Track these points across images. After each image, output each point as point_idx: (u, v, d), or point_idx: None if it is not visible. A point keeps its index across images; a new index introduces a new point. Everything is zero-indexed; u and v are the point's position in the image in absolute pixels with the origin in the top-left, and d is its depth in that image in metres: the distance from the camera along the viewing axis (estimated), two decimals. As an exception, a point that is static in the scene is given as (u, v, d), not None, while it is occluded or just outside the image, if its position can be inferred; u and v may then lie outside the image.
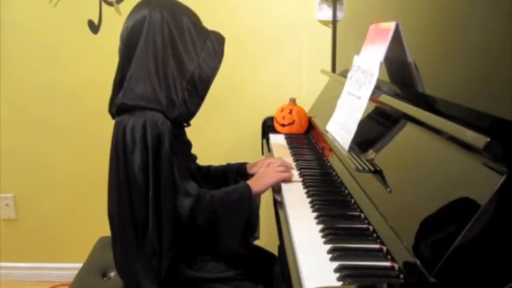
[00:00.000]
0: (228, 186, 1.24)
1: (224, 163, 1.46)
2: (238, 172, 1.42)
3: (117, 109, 1.11)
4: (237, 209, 1.15)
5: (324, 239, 0.90)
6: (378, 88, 1.14)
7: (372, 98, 1.12)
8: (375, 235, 0.89)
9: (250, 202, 1.17)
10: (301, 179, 1.26)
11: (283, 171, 1.25)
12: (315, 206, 1.06)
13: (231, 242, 1.15)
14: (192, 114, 1.17)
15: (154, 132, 1.05)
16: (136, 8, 1.14)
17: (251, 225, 1.16)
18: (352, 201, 1.07)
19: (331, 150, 1.35)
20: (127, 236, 1.11)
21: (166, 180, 1.06)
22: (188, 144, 1.27)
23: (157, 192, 1.06)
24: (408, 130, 0.98)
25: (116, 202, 1.11)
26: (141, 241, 1.10)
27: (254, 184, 1.20)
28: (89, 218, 2.10)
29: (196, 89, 1.15)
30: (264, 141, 1.80)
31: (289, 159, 1.44)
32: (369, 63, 1.16)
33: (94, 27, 1.97)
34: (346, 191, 1.13)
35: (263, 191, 1.23)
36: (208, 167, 1.43)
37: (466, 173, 0.72)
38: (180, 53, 1.12)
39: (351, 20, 1.68)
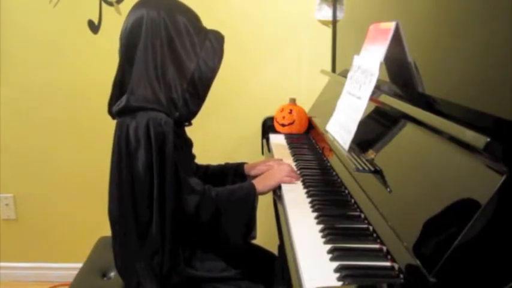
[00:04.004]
0: (226, 185, 1.24)
1: (223, 163, 1.46)
2: (236, 172, 1.42)
3: (120, 111, 1.11)
4: (241, 207, 1.16)
5: (324, 239, 0.90)
6: (378, 88, 1.14)
7: (372, 98, 1.12)
8: (375, 235, 0.89)
9: (254, 201, 1.18)
10: (301, 179, 1.26)
11: (289, 177, 1.25)
12: (315, 206, 1.06)
13: (232, 238, 1.16)
14: (193, 114, 1.18)
15: (157, 131, 1.05)
16: (134, 8, 1.14)
17: (251, 224, 1.17)
18: (352, 201, 1.07)
19: (331, 150, 1.35)
20: (128, 235, 1.11)
21: (171, 178, 1.07)
22: (189, 143, 1.27)
23: (162, 190, 1.06)
24: (408, 130, 0.98)
25: (118, 201, 1.11)
26: (142, 240, 1.10)
27: (259, 184, 1.21)
28: (89, 218, 2.10)
29: (197, 89, 1.15)
30: (264, 141, 1.80)
31: (289, 159, 1.44)
32: (369, 63, 1.16)
33: (94, 27, 1.97)
34: (346, 191, 1.13)
35: (267, 192, 1.24)
36: (207, 166, 1.43)
37: (466, 173, 0.72)
38: (179, 54, 1.12)
39: (351, 20, 1.68)
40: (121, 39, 1.14)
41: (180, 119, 1.15)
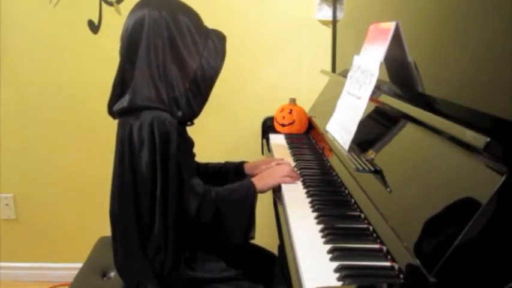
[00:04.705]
0: (226, 184, 1.24)
1: (223, 161, 1.47)
2: (236, 172, 1.42)
3: (122, 111, 1.10)
4: (241, 206, 1.17)
5: (324, 239, 0.90)
6: (378, 88, 1.14)
7: (372, 98, 1.12)
8: (375, 235, 0.89)
9: (254, 200, 1.18)
10: (301, 179, 1.26)
11: (290, 177, 1.25)
12: (315, 206, 1.06)
13: (233, 237, 1.16)
14: (196, 114, 1.18)
15: (161, 130, 1.05)
16: (135, 8, 1.13)
17: (251, 222, 1.17)
18: (352, 201, 1.07)
19: (331, 150, 1.35)
20: (129, 235, 1.11)
21: (174, 178, 1.07)
22: (191, 143, 1.27)
23: (165, 190, 1.06)
24: (408, 130, 0.98)
25: (120, 201, 1.11)
26: (144, 240, 1.10)
27: (258, 182, 1.21)
28: (89, 218, 2.10)
29: (200, 89, 1.15)
30: (264, 141, 1.80)
31: (289, 159, 1.44)
32: (369, 63, 1.16)
33: (94, 27, 1.97)
34: (346, 191, 1.13)
35: (266, 191, 1.24)
36: (206, 165, 1.44)
37: (466, 173, 0.72)
38: (181, 54, 1.12)
39: (351, 20, 1.68)
40: (122, 39, 1.13)
41: (182, 119, 1.14)
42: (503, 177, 0.62)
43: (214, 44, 1.17)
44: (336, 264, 0.79)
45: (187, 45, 1.13)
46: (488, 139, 0.64)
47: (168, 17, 1.10)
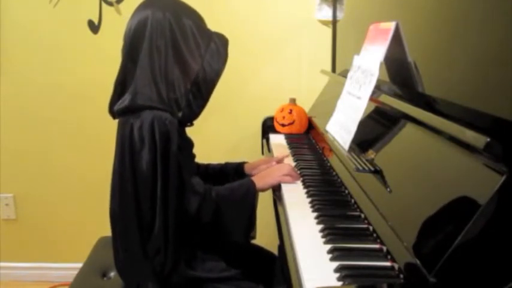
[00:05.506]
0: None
1: (223, 162, 1.47)
2: (237, 172, 1.42)
3: (123, 110, 1.10)
4: (241, 205, 1.17)
5: (324, 239, 0.90)
6: (378, 88, 1.14)
7: (372, 98, 1.12)
8: (375, 235, 0.89)
9: (254, 199, 1.18)
10: (301, 179, 1.26)
11: (289, 176, 1.25)
12: (315, 206, 1.06)
13: (234, 236, 1.16)
14: (196, 115, 1.18)
15: (162, 130, 1.05)
16: (139, 9, 1.13)
17: (251, 221, 1.17)
18: (352, 201, 1.07)
19: (331, 150, 1.35)
20: (130, 235, 1.11)
21: (175, 178, 1.07)
22: (190, 143, 1.27)
23: (165, 190, 1.06)
24: (408, 130, 0.98)
25: (120, 201, 1.11)
26: (144, 240, 1.10)
27: (258, 181, 1.21)
28: (89, 218, 2.10)
29: (201, 91, 1.15)
30: (264, 141, 1.80)
31: (289, 159, 1.44)
32: (369, 63, 1.16)
33: (94, 27, 1.97)
34: (346, 191, 1.13)
35: (266, 189, 1.24)
36: (207, 165, 1.44)
37: (466, 173, 0.72)
38: (183, 55, 1.12)
39: (351, 20, 1.68)
40: (125, 39, 1.13)
41: (182, 119, 1.15)
42: (503, 177, 0.62)
43: (217, 46, 1.17)
44: (336, 264, 0.79)
45: (190, 48, 1.13)
46: (488, 139, 0.64)
47: (171, 19, 1.10)
